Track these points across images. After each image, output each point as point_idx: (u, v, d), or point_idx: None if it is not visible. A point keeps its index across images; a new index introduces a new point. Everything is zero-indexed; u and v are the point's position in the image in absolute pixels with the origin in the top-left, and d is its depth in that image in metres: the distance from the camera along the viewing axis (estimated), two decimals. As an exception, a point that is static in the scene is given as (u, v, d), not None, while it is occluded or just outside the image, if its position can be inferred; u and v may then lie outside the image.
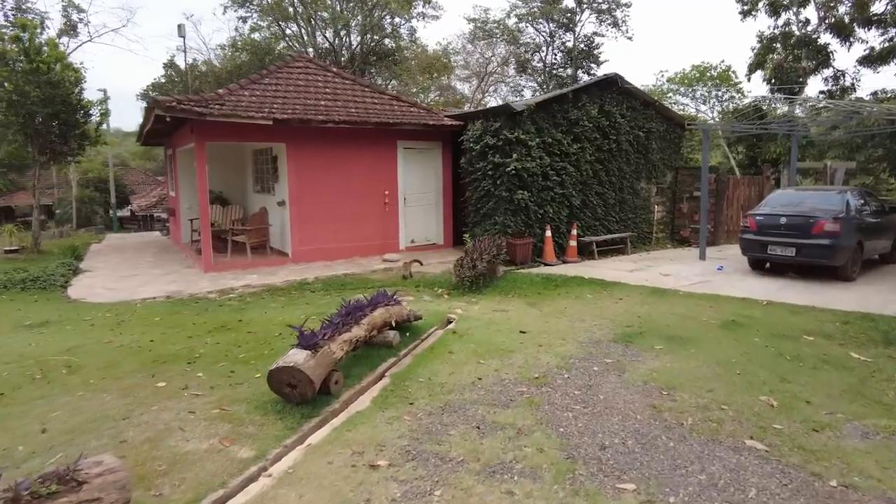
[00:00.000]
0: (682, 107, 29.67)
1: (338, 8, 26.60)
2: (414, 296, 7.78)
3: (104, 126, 15.95)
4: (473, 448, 3.39)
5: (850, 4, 18.04)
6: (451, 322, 6.40)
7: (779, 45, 19.70)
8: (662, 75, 36.87)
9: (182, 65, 29.37)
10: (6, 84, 12.07)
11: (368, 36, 27.61)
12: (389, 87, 27.73)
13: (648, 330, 5.93)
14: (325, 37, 27.99)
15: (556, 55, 33.96)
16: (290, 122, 9.62)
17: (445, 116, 11.90)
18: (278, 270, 9.70)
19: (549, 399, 4.13)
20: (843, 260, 8.38)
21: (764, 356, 5.06)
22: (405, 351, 5.29)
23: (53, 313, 7.05)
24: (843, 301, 7.21)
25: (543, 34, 33.43)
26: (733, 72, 29.11)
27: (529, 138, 10.17)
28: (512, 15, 32.40)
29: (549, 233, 10.59)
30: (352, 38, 28.29)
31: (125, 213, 31.59)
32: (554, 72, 33.69)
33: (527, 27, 33.13)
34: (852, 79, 18.98)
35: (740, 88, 28.95)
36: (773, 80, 19.07)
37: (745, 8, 19.96)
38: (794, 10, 19.31)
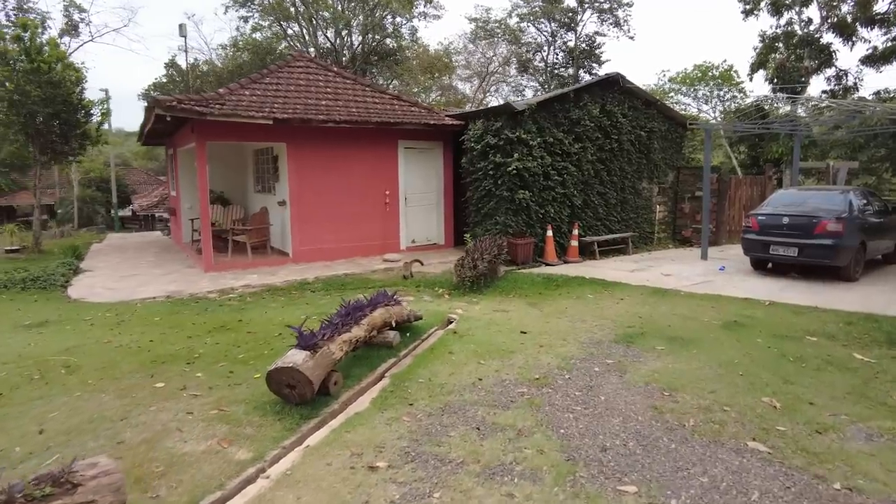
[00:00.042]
0: (683, 106, 29.64)
1: (339, 7, 26.60)
2: (414, 296, 7.75)
3: (105, 126, 15.98)
4: (473, 449, 3.36)
5: (852, 4, 17.99)
6: (451, 322, 6.37)
7: (781, 45, 19.65)
8: (664, 75, 36.96)
9: (183, 64, 29.44)
10: (7, 84, 12.08)
11: (370, 35, 27.61)
12: (391, 86, 27.71)
13: (650, 330, 5.90)
14: (326, 36, 28.01)
15: (557, 55, 33.98)
16: (290, 122, 9.60)
17: (446, 116, 11.88)
18: (278, 270, 9.69)
19: (550, 400, 4.10)
20: (846, 260, 8.33)
21: (766, 357, 5.03)
22: (405, 351, 5.26)
23: (53, 313, 7.04)
24: (846, 301, 7.17)
25: (545, 34, 33.46)
26: (735, 71, 29.12)
27: (531, 138, 10.14)
28: (513, 14, 32.47)
29: (550, 233, 10.56)
30: (353, 38, 28.30)
31: (127, 212, 31.62)
32: (555, 71, 33.67)
33: (528, 27, 33.16)
34: (855, 78, 18.96)
35: (742, 88, 28.96)
36: (775, 80, 19.02)
37: (748, 7, 19.92)
38: (797, 9, 19.26)
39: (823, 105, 14.71)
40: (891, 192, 19.50)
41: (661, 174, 13.14)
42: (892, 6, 17.32)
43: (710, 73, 29.33)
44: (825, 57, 18.84)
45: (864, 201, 9.08)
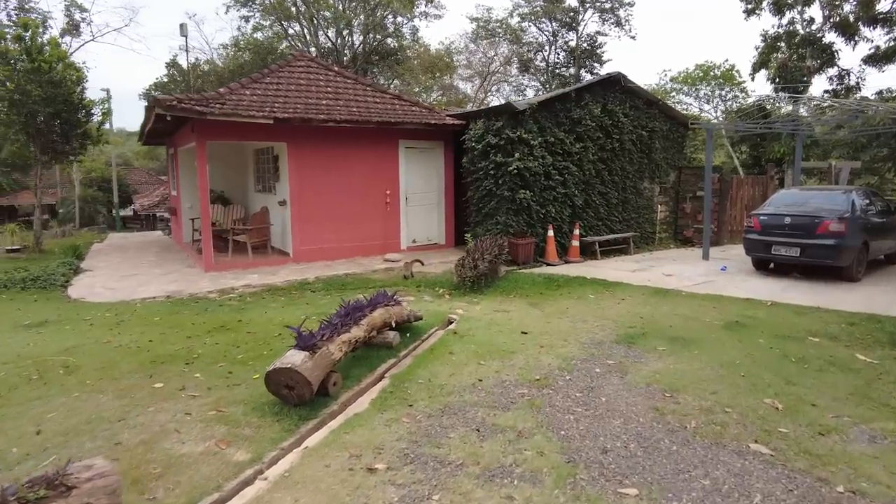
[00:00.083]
0: (685, 106, 29.56)
1: (340, 7, 26.59)
2: (415, 296, 7.73)
3: (106, 125, 15.98)
4: (473, 451, 3.34)
5: (855, 3, 17.92)
6: (451, 322, 6.34)
7: (783, 44, 19.60)
8: (666, 74, 36.84)
9: (184, 64, 29.45)
10: (8, 83, 12.08)
11: (371, 35, 27.58)
12: (392, 86, 27.70)
13: (651, 331, 5.87)
14: (327, 36, 27.98)
15: (558, 54, 33.93)
16: (291, 122, 9.58)
17: (447, 116, 11.85)
18: (279, 270, 9.67)
19: (551, 401, 4.07)
20: (849, 260, 8.29)
21: (768, 358, 5.00)
22: (405, 352, 5.24)
23: (53, 313, 7.03)
24: (848, 302, 7.13)
25: (546, 33, 33.40)
26: (737, 71, 29.01)
27: (532, 137, 10.11)
28: (515, 14, 32.41)
29: (551, 232, 10.53)
30: (354, 38, 28.28)
31: (128, 212, 31.64)
32: (557, 71, 33.62)
33: (530, 26, 33.11)
34: (857, 78, 18.90)
35: (744, 88, 28.85)
36: (777, 80, 18.97)
37: (749, 7, 19.85)
38: (799, 8, 19.19)
39: (825, 105, 14.68)
40: (893, 192, 19.43)
41: (662, 174, 13.10)
42: (894, 5, 17.27)
43: (711, 73, 29.23)
44: (827, 56, 18.78)
45: (867, 201, 9.05)
